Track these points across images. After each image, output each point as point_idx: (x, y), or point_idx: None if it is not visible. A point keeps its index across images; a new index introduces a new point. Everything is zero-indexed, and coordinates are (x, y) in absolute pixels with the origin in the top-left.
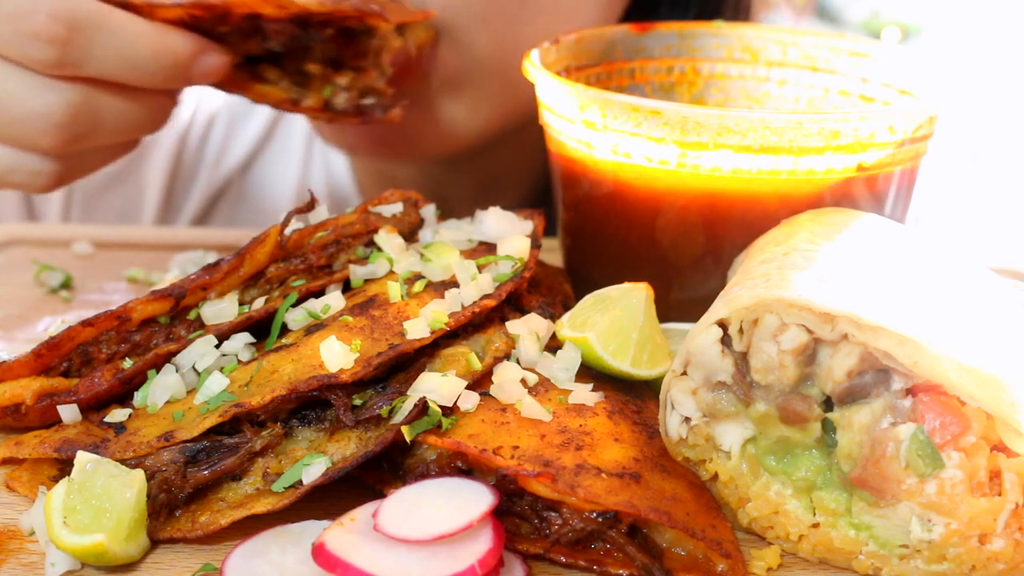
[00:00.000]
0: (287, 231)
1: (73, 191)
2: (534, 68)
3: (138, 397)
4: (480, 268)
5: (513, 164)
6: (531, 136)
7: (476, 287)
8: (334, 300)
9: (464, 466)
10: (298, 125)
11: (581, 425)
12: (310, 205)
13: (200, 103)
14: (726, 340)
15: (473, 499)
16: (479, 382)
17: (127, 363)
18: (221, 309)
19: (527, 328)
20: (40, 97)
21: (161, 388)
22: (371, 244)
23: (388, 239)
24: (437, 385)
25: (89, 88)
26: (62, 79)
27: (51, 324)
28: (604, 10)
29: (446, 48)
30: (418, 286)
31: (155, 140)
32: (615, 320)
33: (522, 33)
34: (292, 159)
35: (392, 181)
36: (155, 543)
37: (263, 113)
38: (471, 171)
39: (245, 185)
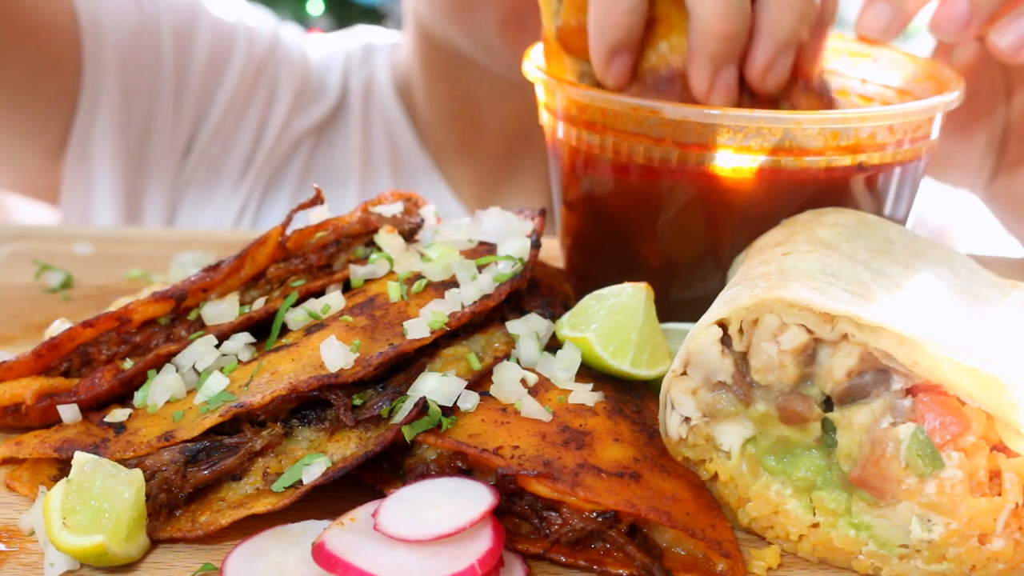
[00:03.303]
0: (288, 230)
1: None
2: (534, 68)
3: (138, 397)
4: (480, 268)
5: None
6: None
7: (476, 287)
8: (334, 300)
9: (464, 466)
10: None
11: (581, 425)
12: (314, 201)
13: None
14: (726, 340)
15: (473, 499)
16: (479, 382)
17: (127, 364)
18: (222, 310)
19: (527, 328)
20: None
21: (161, 388)
22: (371, 244)
23: (388, 239)
24: (437, 385)
25: None
26: None
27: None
28: None
29: None
30: (418, 286)
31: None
32: (615, 320)
33: None
34: (355, 111)
35: (474, 153)
36: (155, 543)
37: (337, 67)
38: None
39: (322, 136)
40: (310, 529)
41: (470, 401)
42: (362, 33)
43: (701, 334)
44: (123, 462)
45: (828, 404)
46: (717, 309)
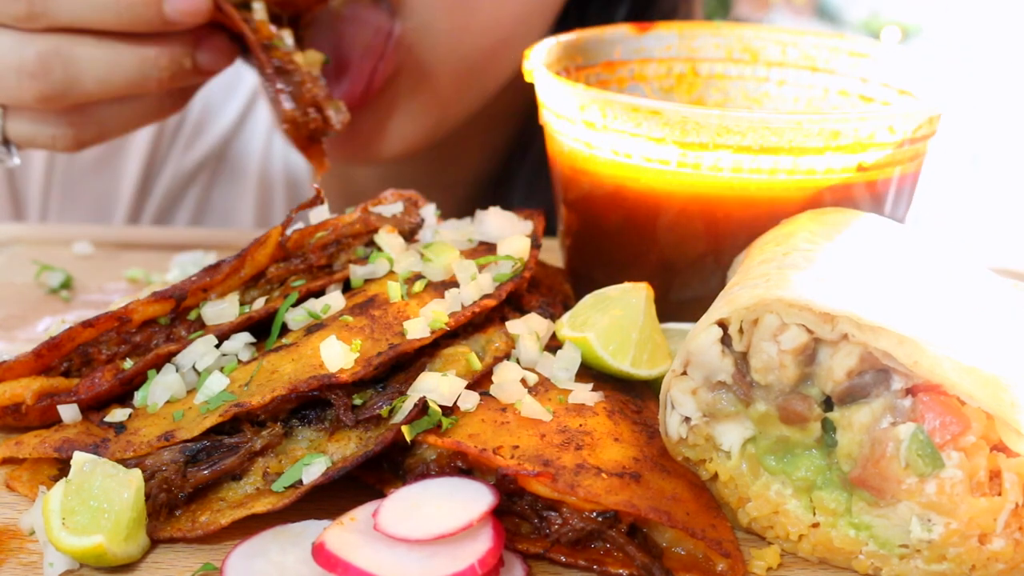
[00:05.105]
0: (288, 231)
1: (53, 179)
2: (534, 67)
3: (138, 397)
4: (480, 268)
5: (471, 143)
6: (488, 113)
7: (476, 287)
8: (334, 300)
9: (464, 466)
10: (265, 110)
11: (581, 425)
12: (314, 201)
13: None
14: (726, 340)
15: (473, 499)
16: (479, 382)
17: (127, 363)
18: (222, 310)
19: (527, 328)
20: (13, 51)
21: (161, 388)
22: (371, 244)
23: (388, 239)
24: (437, 385)
25: (62, 37)
26: (33, 31)
27: (51, 324)
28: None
29: (407, 32)
30: (418, 286)
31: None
32: (615, 320)
33: (475, 14)
34: (257, 145)
35: (344, 176)
36: (155, 543)
37: (239, 98)
38: (429, 159)
39: (218, 170)
40: (310, 529)
41: (470, 401)
42: None
43: (701, 334)
44: (123, 462)
45: (828, 404)
46: (717, 309)
